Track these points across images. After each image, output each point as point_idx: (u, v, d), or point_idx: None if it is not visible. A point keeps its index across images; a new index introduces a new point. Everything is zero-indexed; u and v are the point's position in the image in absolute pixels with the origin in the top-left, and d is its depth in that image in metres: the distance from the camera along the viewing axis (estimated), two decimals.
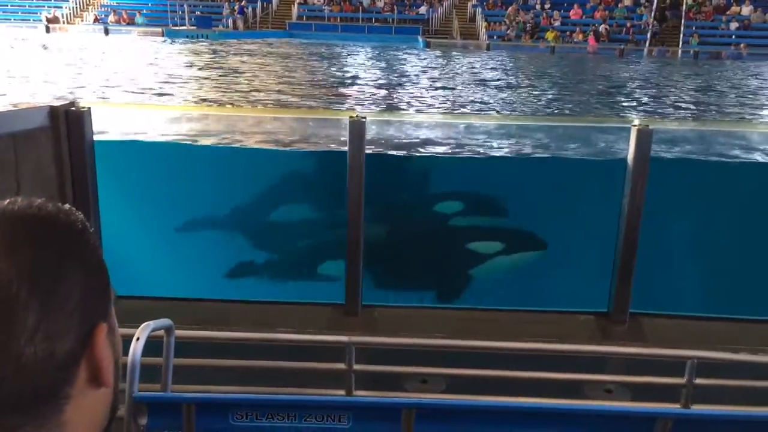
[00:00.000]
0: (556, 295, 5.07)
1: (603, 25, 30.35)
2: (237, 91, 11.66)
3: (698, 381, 3.09)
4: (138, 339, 2.49)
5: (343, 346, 3.22)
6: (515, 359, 3.77)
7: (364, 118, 4.63)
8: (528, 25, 30.99)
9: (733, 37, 28.80)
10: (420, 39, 29.77)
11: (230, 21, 33.97)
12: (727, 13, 30.16)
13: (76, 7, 34.81)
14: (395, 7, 34.09)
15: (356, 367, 3.20)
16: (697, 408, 3.04)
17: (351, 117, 4.61)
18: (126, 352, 2.37)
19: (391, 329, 4.65)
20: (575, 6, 32.21)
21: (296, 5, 35.47)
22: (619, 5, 31.65)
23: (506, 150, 6.58)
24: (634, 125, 4.66)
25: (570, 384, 3.73)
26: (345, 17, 34.15)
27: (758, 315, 4.92)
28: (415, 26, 32.65)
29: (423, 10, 33.84)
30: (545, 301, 5.03)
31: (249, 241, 5.03)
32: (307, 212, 5.15)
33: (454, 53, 25.31)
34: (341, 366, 3.19)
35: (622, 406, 3.32)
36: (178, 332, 2.81)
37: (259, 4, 35.36)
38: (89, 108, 4.48)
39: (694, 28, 29.62)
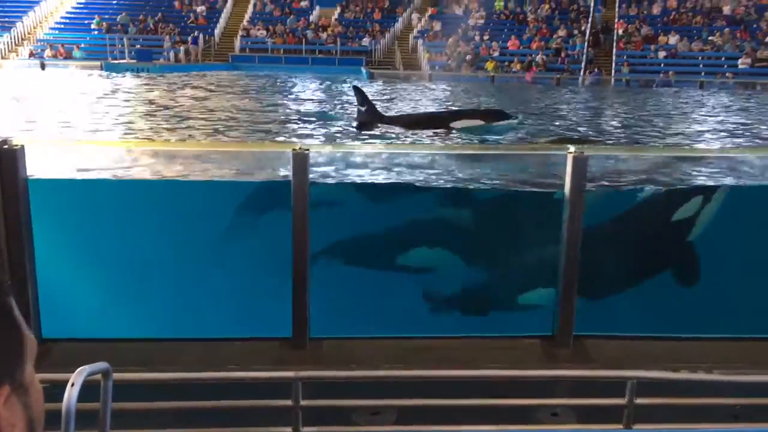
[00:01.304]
0: (503, 321, 5.13)
1: (540, 55, 31.33)
2: (178, 125, 11.52)
3: (639, 401, 3.16)
4: (73, 385, 2.40)
5: (290, 381, 3.17)
6: (465, 387, 3.79)
7: (307, 149, 4.64)
8: (468, 55, 31.73)
9: (662, 65, 30.14)
10: (363, 70, 30.11)
11: (171, 54, 33.64)
12: (656, 42, 31.59)
13: (11, 42, 33.91)
14: (338, 39, 34.43)
15: (303, 402, 3.15)
16: (639, 428, 3.11)
17: (294, 149, 4.61)
18: (62, 399, 2.28)
19: (341, 362, 4.61)
20: (513, 37, 33.20)
21: (239, 37, 35.44)
22: (554, 36, 32.76)
23: (447, 178, 6.67)
24: (570, 152, 4.79)
25: (519, 409, 3.76)
26: (288, 49, 34.28)
27: (701, 333, 5.06)
28: (358, 58, 33.01)
29: (366, 41, 34.27)
30: (492, 327, 5.08)
31: (191, 278, 4.92)
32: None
33: (397, 84, 25.67)
34: (288, 402, 3.14)
35: (568, 429, 3.36)
36: (117, 375, 2.72)
37: (201, 36, 35.18)
38: (23, 146, 4.36)
39: (625, 57, 30.88)
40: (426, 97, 20.35)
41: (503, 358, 4.60)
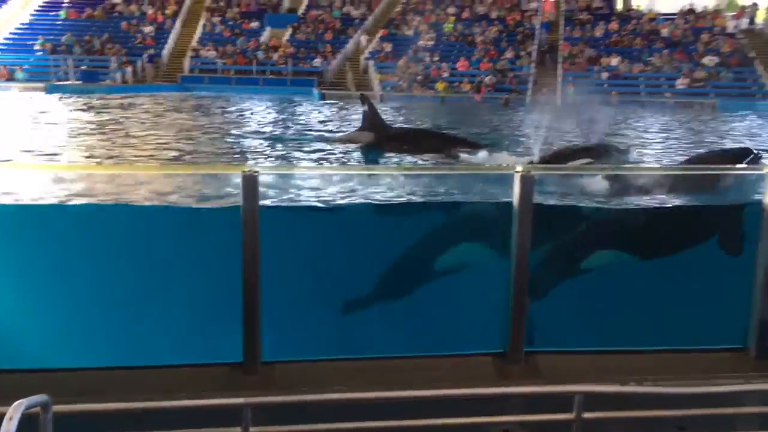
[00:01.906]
0: (455, 339, 5.15)
1: (489, 76, 31.96)
2: (123, 147, 11.29)
3: (587, 415, 3.20)
4: (11, 419, 2.30)
5: (240, 407, 3.11)
6: (418, 407, 3.78)
7: (257, 172, 4.60)
8: (419, 76, 32.13)
9: (605, 85, 31.08)
10: (315, 91, 30.15)
11: (118, 75, 33.08)
12: (599, 64, 32.59)
13: None
14: (290, 60, 34.42)
15: (253, 429, 3.09)
16: None
17: (243, 171, 4.57)
18: None
19: (293, 386, 4.55)
20: (462, 58, 33.79)
21: (188, 58, 35.10)
22: (502, 58, 33.48)
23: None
24: (518, 171, 4.88)
25: (471, 428, 3.77)
26: (239, 70, 34.10)
27: (649, 346, 5.17)
28: (310, 78, 33.06)
29: (317, 62, 34.36)
30: (444, 345, 5.09)
31: (136, 304, 4.80)
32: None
33: (349, 104, 25.78)
34: (237, 430, 3.07)
35: None
36: (58, 407, 2.62)
37: (149, 57, 34.73)
38: None
39: (570, 78, 31.77)
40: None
41: (456, 377, 4.61)
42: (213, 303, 4.89)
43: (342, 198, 6.30)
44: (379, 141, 11.05)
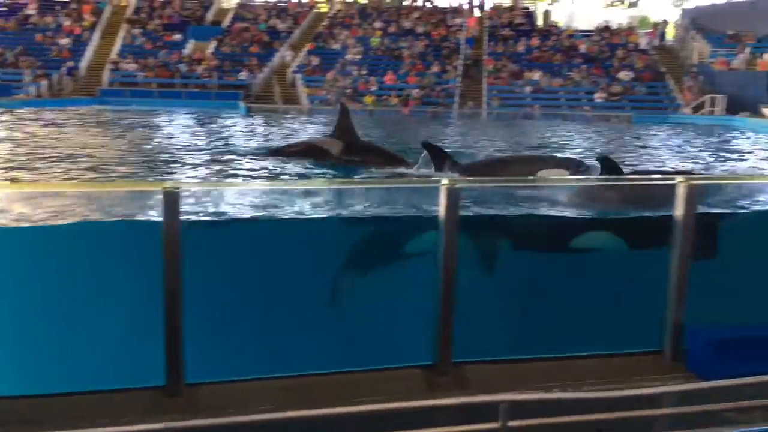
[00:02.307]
0: (384, 353, 5.15)
1: (416, 90, 32.40)
2: (38, 164, 10.80)
3: (512, 423, 3.25)
4: None
5: None
6: (348, 422, 3.74)
7: (178, 188, 4.48)
8: (347, 89, 32.24)
9: (528, 99, 32.06)
10: (241, 105, 29.75)
11: (33, 88, 31.70)
12: (522, 78, 33.59)
13: None
14: (214, 73, 33.88)
15: None
16: None
17: (165, 188, 4.44)
18: None
19: (219, 407, 4.42)
20: (389, 72, 34.13)
21: (107, 71, 34.02)
22: (429, 71, 34.03)
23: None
24: (443, 184, 4.94)
25: None
26: (162, 83, 33.29)
27: (572, 352, 5.31)
28: (236, 92, 32.61)
29: (243, 75, 33.97)
30: (373, 359, 5.08)
31: (54, 328, 4.58)
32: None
33: (276, 118, 25.58)
34: None
35: None
36: None
37: (66, 69, 33.45)
38: None
39: (495, 92, 32.60)
40: (307, 131, 20.38)
41: (385, 391, 4.60)
42: (134, 324, 4.72)
43: (267, 212, 6.20)
44: (348, 151, 10.72)
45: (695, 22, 37.67)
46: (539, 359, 5.27)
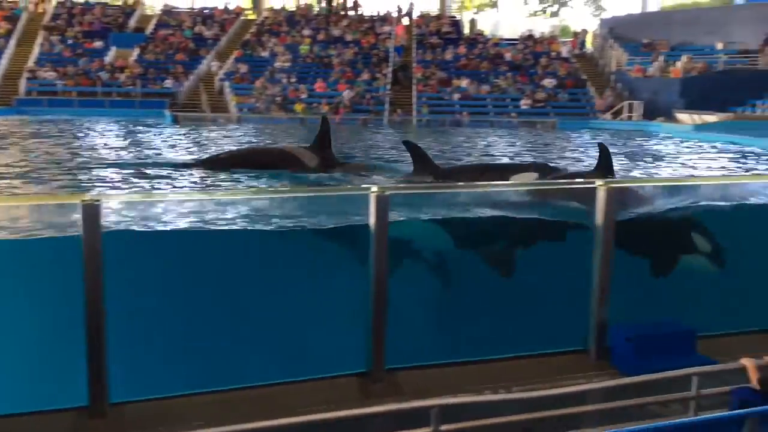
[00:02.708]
0: (319, 362, 5.11)
1: (347, 94, 32.42)
2: None
3: (444, 427, 3.29)
4: None
5: None
6: None
7: (98, 201, 4.33)
8: (277, 97, 31.95)
9: (457, 106, 32.60)
10: (167, 113, 29.00)
11: None
12: (450, 85, 34.13)
13: None
14: (138, 81, 32.95)
15: None
16: None
17: (84, 200, 4.29)
18: None
19: (147, 426, 4.29)
20: (319, 80, 34.05)
21: (24, 80, 32.56)
22: (358, 79, 34.14)
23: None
24: (373, 192, 4.96)
25: None
26: (83, 92, 32.09)
27: (503, 354, 5.42)
28: (161, 100, 31.78)
29: (169, 83, 33.16)
30: (308, 369, 5.04)
31: None
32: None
33: (204, 127, 25.08)
34: None
35: None
36: None
37: None
38: None
39: (424, 99, 33.00)
40: (236, 140, 20.06)
41: (320, 400, 4.57)
42: (53, 342, 4.52)
43: (194, 224, 6.05)
44: (323, 164, 10.27)
45: (613, 31, 39.28)
46: (471, 362, 5.36)
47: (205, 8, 41.73)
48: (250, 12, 42.83)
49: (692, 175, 12.28)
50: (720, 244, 6.77)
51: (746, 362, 4.10)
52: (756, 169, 13.47)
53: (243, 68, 34.55)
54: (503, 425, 3.76)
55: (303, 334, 5.21)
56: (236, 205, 6.74)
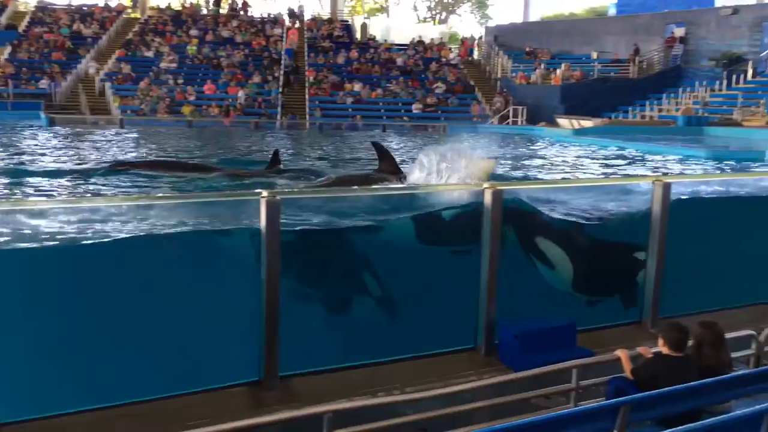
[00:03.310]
0: (208, 373, 4.96)
1: (237, 100, 31.77)
2: None
3: None
4: None
5: None
6: None
7: None
8: (163, 99, 30.81)
9: (350, 110, 32.77)
10: (42, 115, 27.23)
11: None
12: (342, 89, 34.26)
13: None
14: (10, 81, 30.76)
15: None
16: None
17: None
18: None
19: None
20: (209, 81, 33.16)
21: None
22: (249, 82, 33.54)
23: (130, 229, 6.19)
24: (263, 197, 4.86)
25: None
26: None
27: (396, 355, 5.47)
28: (36, 101, 29.81)
29: (44, 84, 31.19)
30: (197, 380, 4.87)
31: None
32: None
33: (84, 130, 23.76)
34: None
35: None
36: None
37: None
38: None
39: (317, 102, 32.92)
40: (121, 145, 19.11)
41: (209, 413, 4.42)
42: None
43: (65, 236, 5.68)
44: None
45: (497, 39, 40.90)
46: (366, 365, 5.37)
47: (84, 6, 39.61)
48: (133, 11, 41.05)
49: (566, 178, 12.96)
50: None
51: (620, 353, 4.38)
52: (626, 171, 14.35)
53: (126, 68, 33.08)
54: (397, 426, 3.79)
55: (190, 344, 5.03)
56: (113, 214, 6.40)
